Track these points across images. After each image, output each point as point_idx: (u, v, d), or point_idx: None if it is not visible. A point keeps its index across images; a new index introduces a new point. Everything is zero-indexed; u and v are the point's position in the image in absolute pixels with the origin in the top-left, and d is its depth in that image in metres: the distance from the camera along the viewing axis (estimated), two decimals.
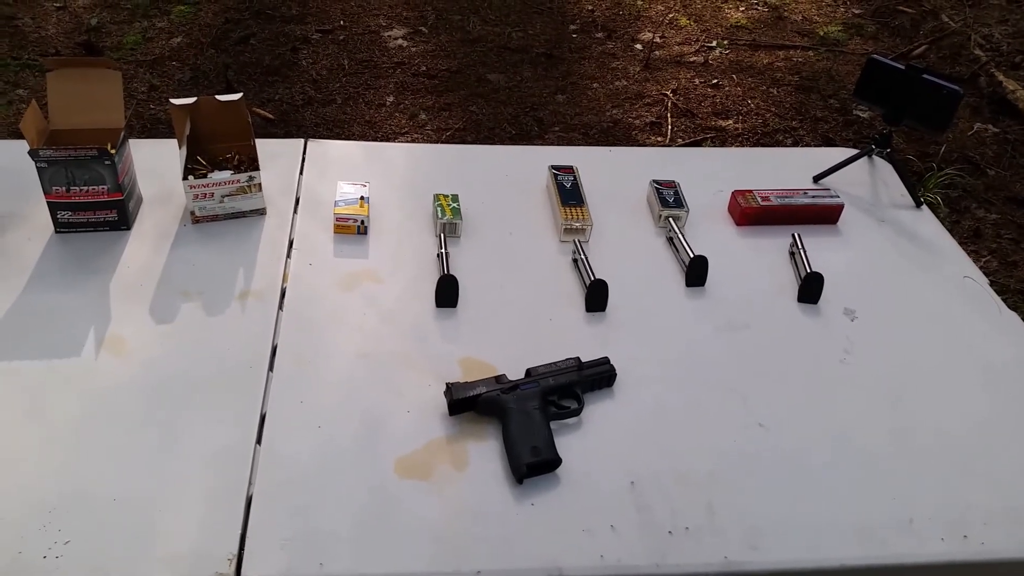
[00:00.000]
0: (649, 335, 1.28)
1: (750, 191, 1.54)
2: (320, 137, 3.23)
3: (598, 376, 1.17)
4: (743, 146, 3.23)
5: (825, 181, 1.66)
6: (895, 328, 1.33)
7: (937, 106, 1.52)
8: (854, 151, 1.69)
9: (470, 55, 3.70)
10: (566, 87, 3.56)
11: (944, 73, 3.70)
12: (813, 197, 1.54)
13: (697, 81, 3.60)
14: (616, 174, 1.64)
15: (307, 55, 3.61)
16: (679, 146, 3.21)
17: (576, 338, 1.26)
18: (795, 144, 3.25)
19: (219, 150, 1.45)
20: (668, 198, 1.52)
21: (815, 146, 3.22)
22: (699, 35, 3.92)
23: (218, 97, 1.43)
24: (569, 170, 1.56)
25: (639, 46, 3.81)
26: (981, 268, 2.91)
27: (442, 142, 3.18)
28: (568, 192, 1.51)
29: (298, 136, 3.27)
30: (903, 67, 1.55)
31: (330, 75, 3.51)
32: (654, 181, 1.56)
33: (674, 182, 1.56)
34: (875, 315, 1.35)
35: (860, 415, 1.18)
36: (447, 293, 1.28)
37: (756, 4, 4.18)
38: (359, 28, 3.81)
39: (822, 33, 3.94)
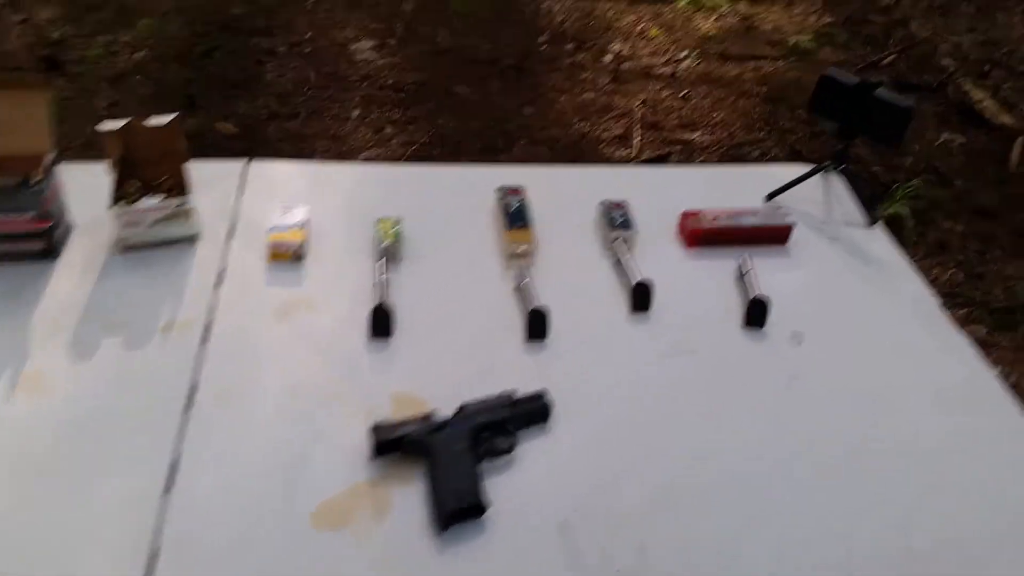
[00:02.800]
0: (590, 365, 1.24)
1: (699, 212, 1.51)
2: (283, 152, 3.20)
3: (532, 411, 1.13)
4: (709, 158, 3.21)
5: (779, 199, 1.63)
6: (842, 352, 1.30)
7: (890, 122, 1.50)
8: (810, 167, 1.66)
9: (438, 67, 3.67)
10: (534, 99, 3.53)
11: (911, 83, 3.70)
12: (763, 217, 1.51)
13: (665, 93, 3.58)
14: (569, 194, 1.60)
15: (273, 68, 3.57)
16: (644, 160, 3.18)
17: (515, 369, 1.22)
18: (762, 156, 3.23)
19: (153, 174, 1.41)
20: (617, 219, 1.48)
21: (782, 158, 3.20)
22: (669, 46, 3.90)
23: (147, 121, 1.38)
24: (517, 192, 1.53)
25: (609, 58, 3.79)
26: (947, 280, 2.93)
27: (407, 156, 3.14)
28: (514, 214, 1.47)
29: (260, 151, 3.24)
30: (856, 83, 1.53)
31: (295, 89, 3.46)
32: (603, 201, 1.52)
33: (624, 202, 1.52)
34: (822, 339, 1.32)
35: (804, 445, 1.15)
36: (381, 323, 1.24)
37: (727, 14, 4.16)
38: (326, 41, 3.76)
39: (792, 43, 3.93)
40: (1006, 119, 3.42)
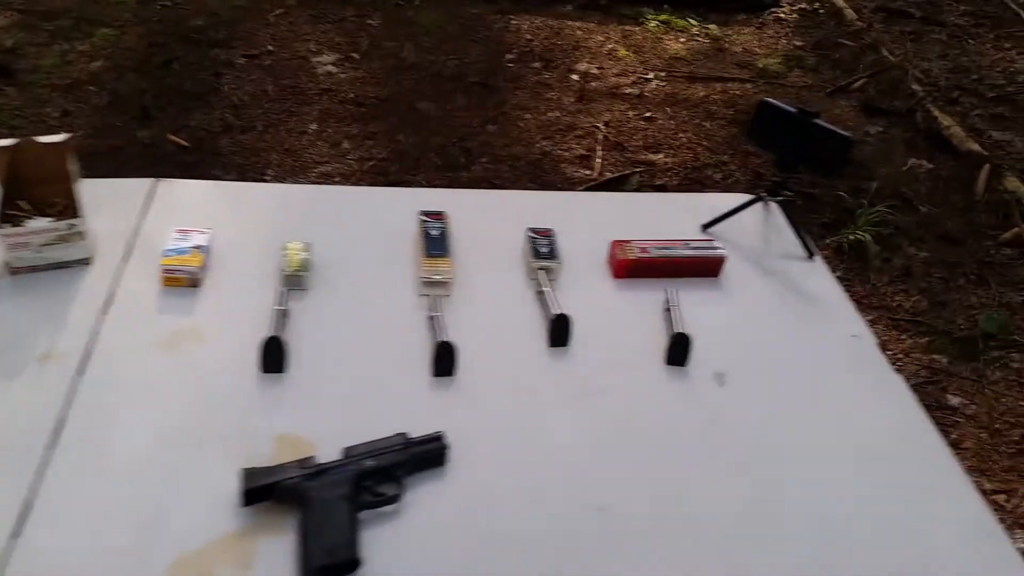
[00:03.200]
0: (497, 404, 1.17)
1: (629, 241, 1.44)
2: (235, 165, 3.12)
3: (426, 455, 1.05)
4: (671, 180, 3.15)
5: (717, 230, 1.56)
6: (766, 393, 1.23)
7: (829, 153, 1.44)
8: (750, 196, 1.60)
9: (401, 83, 3.60)
10: (497, 117, 3.47)
11: (879, 107, 3.66)
12: (695, 248, 1.44)
13: (631, 113, 3.53)
14: (500, 220, 1.53)
15: (230, 80, 3.49)
16: (605, 181, 3.12)
17: (417, 409, 1.14)
18: (724, 179, 3.17)
19: (44, 195, 1.33)
20: (541, 248, 1.41)
21: (744, 181, 3.15)
22: (637, 66, 3.85)
23: (39, 139, 1.30)
24: (439, 217, 1.45)
25: (575, 77, 3.74)
26: (910, 307, 2.87)
27: (363, 172, 3.07)
28: (434, 241, 1.40)
29: (212, 164, 3.16)
30: (795, 111, 1.47)
31: (252, 101, 3.39)
32: (530, 229, 1.45)
33: (550, 230, 1.46)
34: (747, 379, 1.25)
35: (715, 494, 1.08)
36: (272, 357, 1.16)
37: (697, 35, 4.13)
38: (287, 53, 3.70)
39: (761, 65, 3.89)
40: (973, 146, 3.39)
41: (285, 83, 3.51)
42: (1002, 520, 2.18)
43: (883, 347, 2.64)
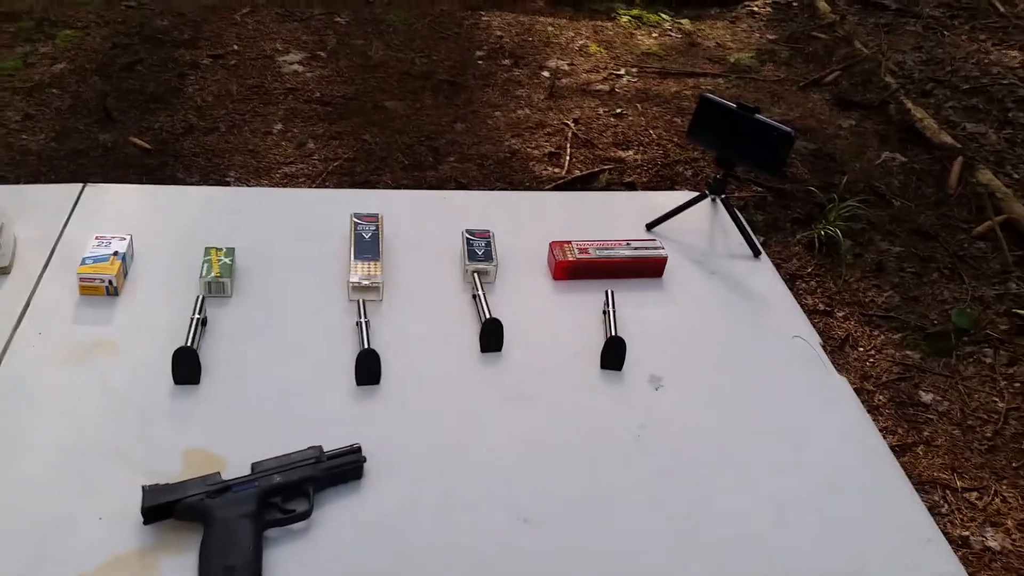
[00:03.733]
0: (422, 414, 1.13)
1: (568, 242, 1.40)
2: (198, 168, 3.08)
3: (340, 469, 1.01)
4: (640, 177, 3.11)
5: (663, 229, 1.53)
6: (703, 397, 1.19)
7: (769, 148, 1.40)
8: (694, 194, 1.57)
9: (369, 81, 3.56)
10: (466, 115, 3.43)
11: (853, 100, 3.63)
12: (636, 248, 1.41)
13: (601, 110, 3.49)
14: (439, 222, 1.49)
15: (194, 81, 3.45)
16: (574, 179, 3.08)
17: (338, 420, 1.10)
18: (694, 175, 3.14)
19: None
20: (477, 250, 1.38)
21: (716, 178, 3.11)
22: (608, 62, 3.82)
23: None
24: (373, 219, 1.42)
25: (546, 74, 3.70)
26: (882, 303, 2.84)
27: (328, 172, 3.03)
28: (365, 243, 1.36)
29: (173, 166, 3.12)
30: (735, 106, 1.43)
31: (216, 102, 3.34)
32: (467, 231, 1.42)
33: (488, 231, 1.42)
34: (683, 382, 1.21)
35: (643, 505, 1.04)
36: (185, 368, 1.12)
37: (669, 30, 4.09)
38: (253, 53, 3.65)
39: (733, 60, 3.86)
40: (946, 139, 3.36)
41: (250, 83, 3.46)
42: (973, 518, 2.17)
43: (855, 344, 2.64)
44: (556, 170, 3.13)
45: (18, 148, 3.07)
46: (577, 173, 3.10)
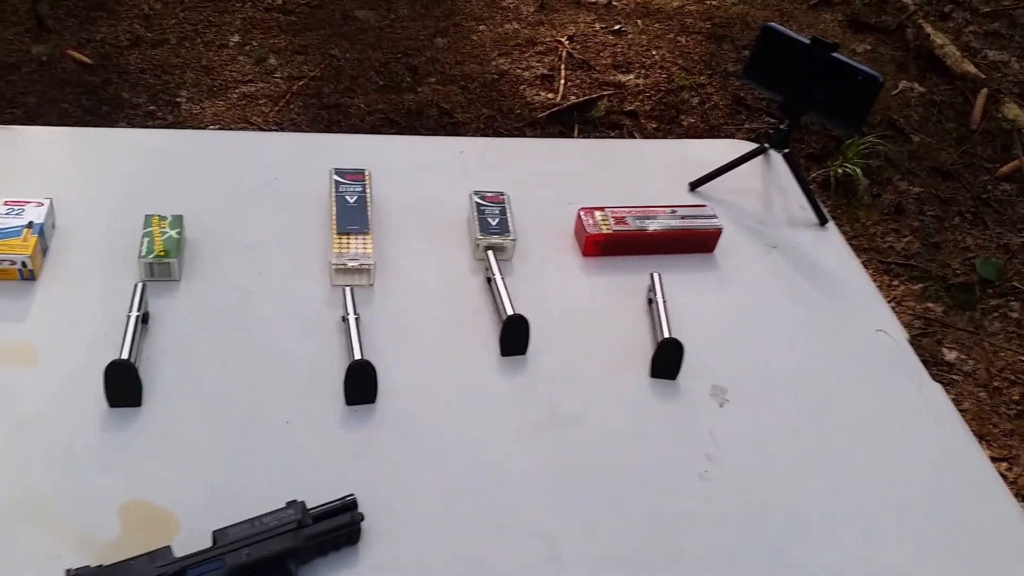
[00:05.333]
0: (432, 444, 0.89)
1: (601, 209, 1.14)
2: (145, 86, 2.70)
3: (330, 536, 0.77)
4: (643, 105, 2.82)
5: (707, 188, 1.27)
6: (775, 415, 0.96)
7: (849, 95, 1.14)
8: (749, 145, 1.30)
9: None
10: (448, 29, 3.07)
11: (867, 22, 3.34)
12: (683, 218, 1.15)
13: (598, 26, 3.15)
14: (439, 176, 1.22)
15: None
16: (570, 106, 2.78)
17: (324, 455, 0.85)
18: (701, 103, 2.85)
19: None
20: (491, 219, 1.11)
21: (723, 107, 2.84)
22: None
23: None
24: (359, 176, 1.14)
25: None
26: (902, 250, 2.62)
27: (292, 93, 2.69)
28: (350, 211, 1.08)
29: (117, 84, 2.75)
30: (807, 41, 1.16)
31: (165, 10, 2.95)
32: (476, 192, 1.15)
33: (502, 194, 1.15)
34: (752, 395, 0.98)
35: (718, 570, 0.81)
36: (123, 386, 0.85)
37: None
38: None
39: None
40: (969, 68, 3.10)
41: None
42: None
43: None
44: (550, 95, 2.82)
45: None
46: (573, 99, 2.80)
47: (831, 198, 2.65)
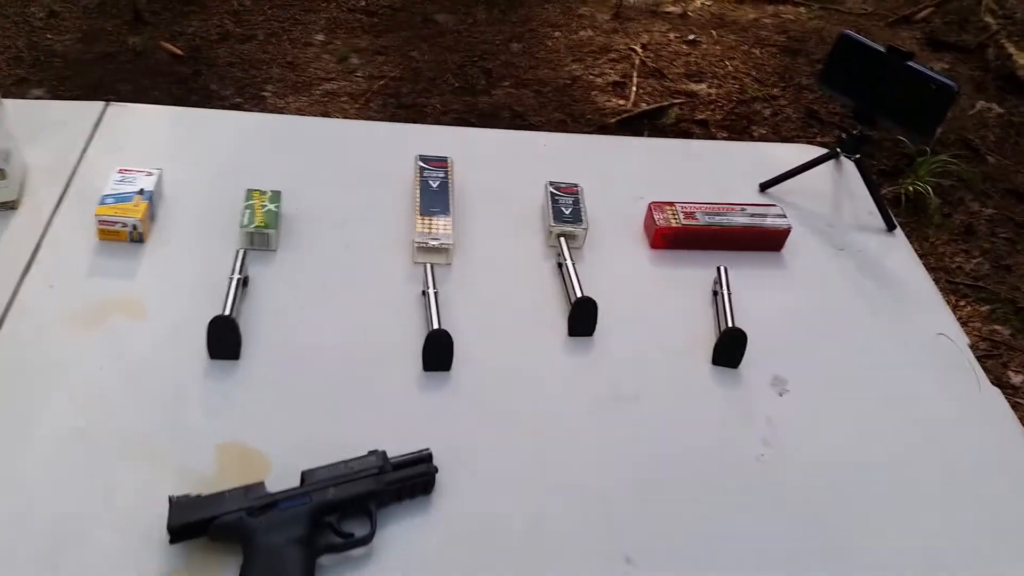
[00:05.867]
0: (501, 410, 0.94)
1: (671, 204, 1.18)
2: (233, 79, 2.84)
3: (407, 483, 0.83)
4: (714, 115, 2.84)
5: (777, 190, 1.30)
6: (833, 407, 0.99)
7: (922, 104, 1.16)
8: (820, 150, 1.33)
9: None
10: (523, 34, 3.15)
11: (946, 41, 3.30)
12: (752, 216, 1.19)
13: (672, 36, 3.19)
14: (516, 168, 1.28)
15: None
16: (640, 113, 2.82)
17: (400, 414, 0.92)
18: (773, 115, 2.86)
19: None
20: (564, 208, 1.16)
21: (796, 120, 2.85)
22: None
23: None
24: (442, 163, 1.20)
25: None
26: (970, 271, 2.59)
27: (373, 91, 2.79)
28: (432, 195, 1.15)
29: (207, 76, 2.88)
30: (883, 50, 1.19)
31: (254, 6, 3.09)
32: (552, 183, 1.20)
33: (576, 186, 1.20)
34: (811, 387, 1.01)
35: (771, 548, 0.85)
36: (223, 340, 0.93)
37: None
38: None
39: None
40: None
41: None
42: None
43: None
44: (621, 102, 2.87)
45: (43, 48, 2.85)
46: (644, 106, 2.84)
47: (900, 215, 2.62)
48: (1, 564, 0.74)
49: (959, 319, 2.39)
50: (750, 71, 3.04)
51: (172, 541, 0.76)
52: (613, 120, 2.77)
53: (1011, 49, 3.21)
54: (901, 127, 1.22)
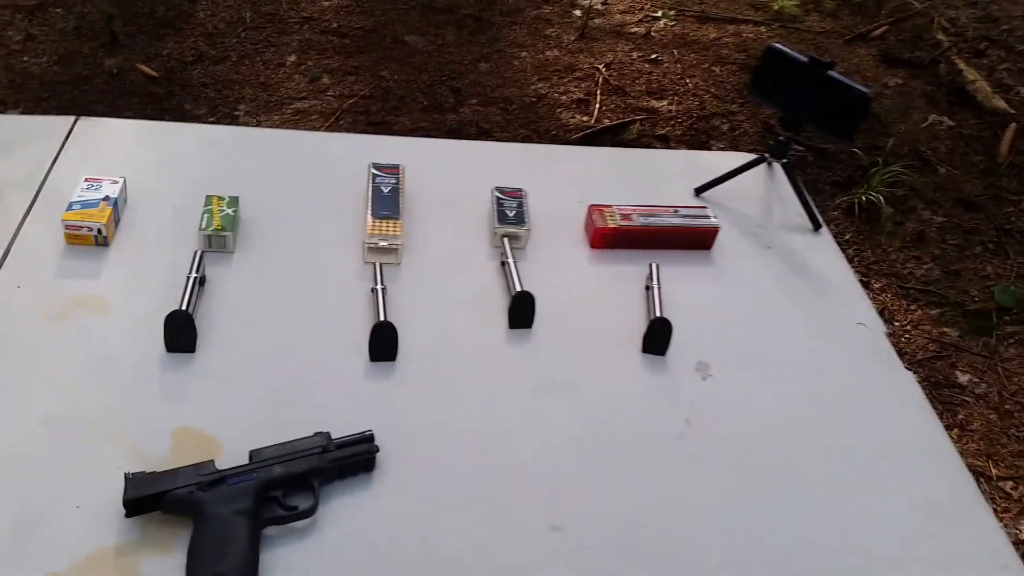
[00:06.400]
0: (442, 397, 1.01)
1: (609, 207, 1.26)
2: (206, 99, 2.91)
3: (350, 460, 0.89)
4: (674, 131, 2.94)
5: (712, 195, 1.38)
6: (754, 389, 1.07)
7: (842, 110, 1.25)
8: (751, 156, 1.41)
9: (389, 13, 3.37)
10: (491, 55, 3.24)
11: (900, 58, 3.42)
12: (684, 217, 1.27)
13: (635, 55, 3.29)
14: (466, 176, 1.35)
15: (205, 6, 3.26)
16: (603, 128, 2.91)
17: (347, 400, 0.98)
18: (732, 130, 2.96)
19: None
20: (508, 211, 1.24)
21: (753, 133, 2.94)
22: (645, 3, 3.60)
23: None
24: (394, 170, 1.28)
25: (577, 12, 3.49)
26: (921, 277, 2.69)
27: (343, 110, 2.87)
28: (383, 199, 1.22)
29: (180, 96, 2.95)
30: (806, 60, 1.27)
31: (228, 29, 3.16)
32: (497, 189, 1.28)
33: (520, 190, 1.28)
34: (733, 371, 1.08)
35: (688, 516, 0.92)
36: (179, 334, 0.99)
37: None
38: None
39: (777, 7, 3.63)
40: (999, 103, 3.16)
41: (265, 10, 3.27)
42: (1008, 509, 2.05)
43: (891, 317, 2.50)
44: (585, 118, 2.96)
45: (19, 71, 2.91)
46: (607, 123, 2.93)
47: (854, 224, 2.73)
48: None
49: (910, 323, 2.49)
50: (710, 88, 3.15)
51: (128, 515, 0.82)
52: (577, 136, 2.86)
53: (961, 65, 3.33)
54: (824, 131, 1.30)
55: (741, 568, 0.88)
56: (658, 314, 1.10)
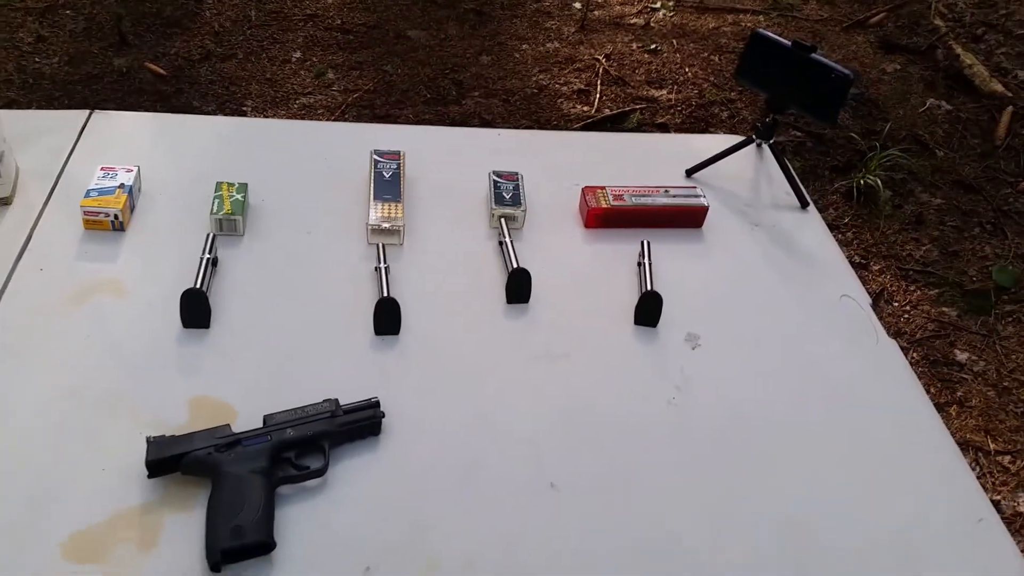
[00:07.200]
0: (445, 367, 1.06)
1: (602, 188, 1.31)
2: (214, 96, 2.98)
3: (357, 425, 0.95)
4: (673, 119, 2.99)
5: (703, 175, 1.43)
6: (741, 358, 1.12)
7: (824, 92, 1.29)
8: (739, 139, 1.46)
9: (391, 9, 3.42)
10: (493, 48, 3.29)
11: (898, 43, 3.45)
12: (674, 196, 1.31)
13: (635, 46, 3.34)
14: (465, 161, 1.40)
15: (212, 5, 3.32)
16: (604, 118, 2.96)
17: (353, 371, 1.04)
18: (731, 118, 3.00)
19: None
20: (505, 193, 1.29)
21: (751, 120, 2.98)
22: None
23: None
24: (395, 156, 1.33)
25: (577, 5, 3.54)
26: (920, 258, 2.73)
27: (347, 104, 2.92)
28: (384, 184, 1.28)
29: (189, 93, 3.02)
30: (789, 44, 1.32)
31: (234, 27, 3.23)
32: (494, 172, 1.33)
33: (516, 174, 1.33)
34: (722, 342, 1.13)
35: (674, 476, 0.97)
36: (194, 310, 1.05)
37: None
38: None
39: None
40: (996, 87, 3.19)
41: (270, 8, 3.33)
42: (1006, 483, 2.10)
43: (890, 298, 2.54)
44: (585, 108, 3.01)
45: (31, 71, 2.98)
46: (607, 112, 2.98)
47: (853, 208, 2.77)
48: (2, 501, 0.86)
49: (909, 303, 2.53)
50: (708, 77, 3.19)
51: (150, 476, 0.88)
52: (577, 126, 2.91)
53: (959, 50, 3.36)
54: (808, 113, 1.35)
55: (725, 522, 0.93)
56: (649, 287, 1.15)
